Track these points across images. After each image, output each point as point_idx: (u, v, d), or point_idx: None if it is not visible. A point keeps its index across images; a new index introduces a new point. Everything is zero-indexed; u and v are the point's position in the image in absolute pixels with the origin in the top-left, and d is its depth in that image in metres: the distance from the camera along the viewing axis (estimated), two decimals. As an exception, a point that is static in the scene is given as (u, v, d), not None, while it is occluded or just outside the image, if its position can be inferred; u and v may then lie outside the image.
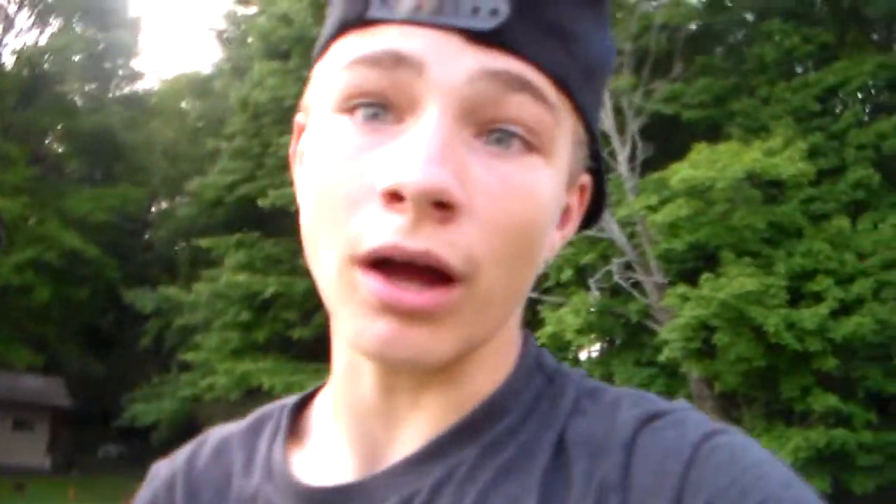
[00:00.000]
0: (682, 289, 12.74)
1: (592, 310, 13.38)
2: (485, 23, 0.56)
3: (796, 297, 13.29)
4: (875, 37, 16.52)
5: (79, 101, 26.94)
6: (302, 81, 13.85)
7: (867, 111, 15.79)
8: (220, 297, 18.07)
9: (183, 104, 29.62)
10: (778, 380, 13.47)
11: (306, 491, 0.67)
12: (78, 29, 26.34)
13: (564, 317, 13.27)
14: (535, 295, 14.10)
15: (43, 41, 25.82)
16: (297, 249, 17.69)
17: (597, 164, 0.68)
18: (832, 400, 12.89)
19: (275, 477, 0.69)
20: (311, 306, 16.98)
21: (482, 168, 0.57)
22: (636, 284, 13.77)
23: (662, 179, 13.51)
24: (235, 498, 0.71)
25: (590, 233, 13.92)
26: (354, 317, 0.59)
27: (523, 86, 0.56)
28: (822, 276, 13.41)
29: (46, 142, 27.04)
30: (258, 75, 18.51)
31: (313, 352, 16.47)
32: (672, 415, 0.63)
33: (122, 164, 26.53)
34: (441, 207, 0.55)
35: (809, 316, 12.70)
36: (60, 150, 27.70)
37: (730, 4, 16.92)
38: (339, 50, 0.60)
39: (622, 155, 14.78)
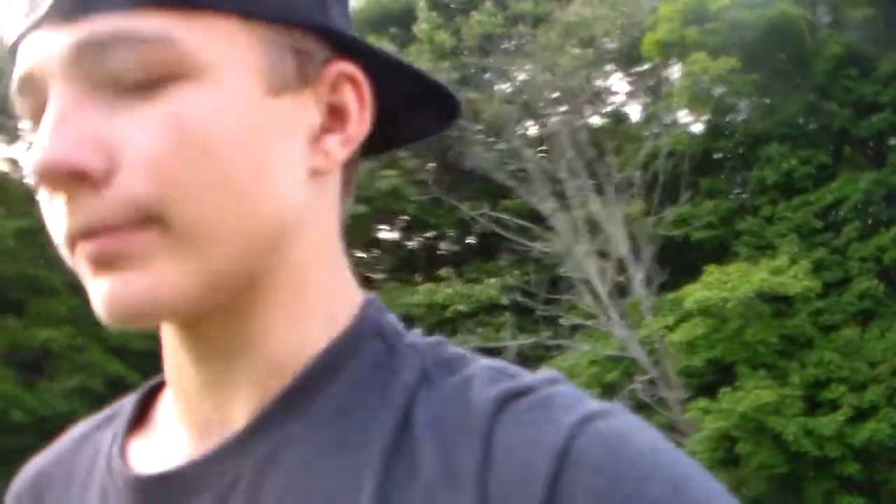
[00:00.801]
0: (702, 403, 13.50)
1: None
2: (47, 1, 0.55)
3: (813, 406, 13.98)
4: (869, 153, 17.55)
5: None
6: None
7: (867, 224, 16.69)
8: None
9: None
10: (803, 485, 14.05)
11: (135, 480, 0.64)
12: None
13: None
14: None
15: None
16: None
17: (370, 52, 0.64)
18: (858, 502, 13.46)
19: (113, 472, 0.67)
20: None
21: (125, 119, 0.55)
22: (659, 400, 14.51)
23: (677, 299, 14.40)
24: (78, 495, 0.69)
25: (614, 353, 14.76)
26: (90, 290, 0.58)
27: (111, 38, 0.55)
28: (836, 384, 14.10)
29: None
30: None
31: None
32: (536, 392, 0.58)
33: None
34: (83, 179, 0.55)
35: (827, 423, 13.37)
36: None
37: (727, 134, 18.06)
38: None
39: (638, 278, 15.68)
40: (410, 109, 0.70)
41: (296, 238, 0.62)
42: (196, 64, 0.56)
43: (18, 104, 0.59)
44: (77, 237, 0.56)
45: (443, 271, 17.69)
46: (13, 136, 24.35)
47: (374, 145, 0.69)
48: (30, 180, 0.57)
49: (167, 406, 0.69)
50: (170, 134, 0.55)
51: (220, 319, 0.61)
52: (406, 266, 19.17)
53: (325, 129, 0.63)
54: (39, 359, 21.03)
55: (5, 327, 21.15)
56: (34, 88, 0.57)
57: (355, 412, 0.60)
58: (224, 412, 0.63)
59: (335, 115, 0.63)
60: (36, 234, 23.64)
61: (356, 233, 19.63)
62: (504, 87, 19.19)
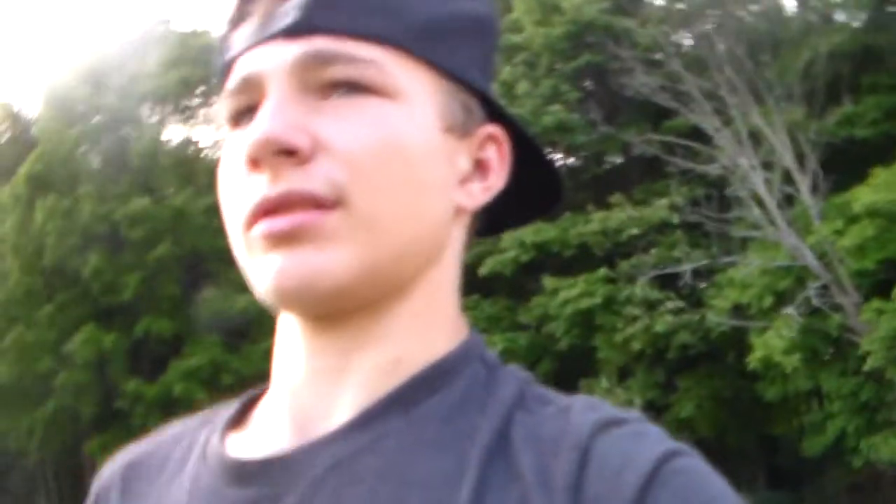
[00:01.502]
0: (876, 304, 13.73)
1: (795, 332, 14.43)
2: (288, 21, 0.66)
3: None
4: None
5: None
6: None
7: None
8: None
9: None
10: None
11: (233, 464, 0.68)
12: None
13: (770, 340, 14.43)
14: (739, 322, 15.32)
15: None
16: (514, 307, 19.52)
17: (515, 127, 0.74)
18: None
19: (208, 458, 0.70)
20: (535, 357, 18.68)
21: (330, 117, 0.65)
22: (833, 305, 14.75)
23: (845, 203, 14.52)
24: (167, 483, 0.72)
25: (785, 262, 15.06)
26: (253, 269, 0.66)
27: (336, 55, 0.65)
28: None
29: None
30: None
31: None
32: (631, 424, 0.64)
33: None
34: (290, 155, 0.64)
35: None
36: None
37: (888, 27, 17.62)
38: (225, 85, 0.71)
39: (804, 186, 15.82)
40: (526, 183, 0.76)
41: (437, 259, 0.70)
42: (394, 88, 0.66)
43: (228, 102, 0.69)
44: (264, 213, 0.63)
45: (613, 198, 18.19)
46: (194, 117, 26.29)
47: (484, 226, 0.77)
48: (240, 156, 0.65)
49: (266, 406, 0.73)
50: (368, 132, 0.64)
51: (357, 314, 0.67)
52: (575, 196, 19.80)
53: (472, 178, 0.72)
54: (241, 324, 22.93)
55: (207, 298, 23.18)
56: (251, 89, 0.67)
57: (457, 418, 0.65)
58: (328, 406, 0.67)
59: (480, 168, 0.72)
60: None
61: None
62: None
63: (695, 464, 0.62)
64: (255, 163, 0.64)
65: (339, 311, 0.66)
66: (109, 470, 0.78)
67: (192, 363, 22.83)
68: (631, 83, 17.63)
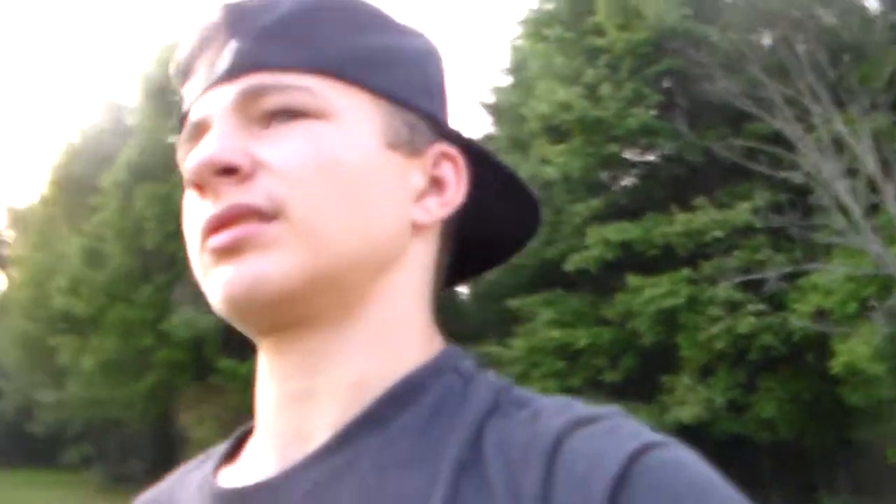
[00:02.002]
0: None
1: (881, 340, 14.77)
2: (226, 65, 0.71)
3: None
4: None
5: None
6: (588, 157, 16.17)
7: None
8: (536, 351, 20.56)
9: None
10: None
11: (221, 494, 0.70)
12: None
13: (855, 347, 14.88)
14: (821, 327, 15.75)
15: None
16: (597, 302, 20.11)
17: (470, 145, 0.77)
18: None
19: (202, 492, 0.73)
20: (618, 351, 19.33)
21: (268, 140, 0.69)
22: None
23: (932, 214, 14.87)
24: None
25: (870, 270, 15.46)
26: (207, 285, 0.69)
27: (270, 87, 0.69)
28: None
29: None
30: (542, 153, 21.03)
31: (622, 393, 18.29)
32: (602, 422, 0.62)
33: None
34: (230, 174, 0.67)
35: None
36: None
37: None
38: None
39: (889, 194, 16.19)
40: (501, 201, 0.80)
41: (392, 275, 0.72)
42: (328, 110, 0.70)
43: (182, 151, 0.74)
44: (210, 231, 0.68)
45: (696, 201, 18.66)
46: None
47: (473, 265, 0.84)
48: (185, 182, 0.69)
49: (256, 438, 0.75)
50: (304, 149, 0.69)
51: (313, 331, 0.69)
52: (657, 195, 20.31)
53: (427, 193, 0.75)
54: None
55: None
56: (201, 133, 0.72)
57: (431, 432, 0.65)
58: (304, 428, 0.69)
59: (437, 185, 0.76)
60: None
61: (615, 170, 20.97)
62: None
63: (672, 455, 0.59)
64: (200, 188, 0.68)
65: (290, 323, 0.68)
66: None
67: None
68: (712, 88, 17.99)
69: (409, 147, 0.74)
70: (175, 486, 0.79)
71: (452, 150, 0.77)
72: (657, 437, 0.62)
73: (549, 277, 21.52)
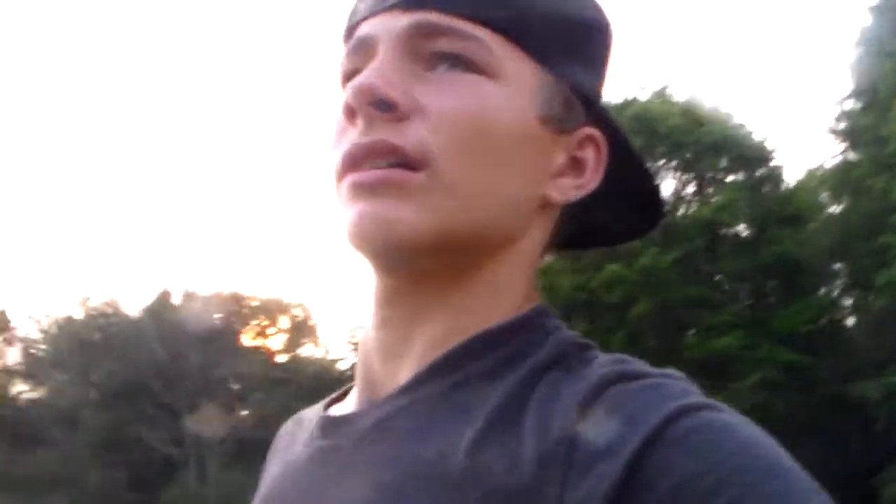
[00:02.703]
0: None
1: None
2: None
3: None
4: None
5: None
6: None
7: None
8: None
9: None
10: None
11: (322, 421, 0.77)
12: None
13: None
14: None
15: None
16: None
17: (616, 132, 0.76)
18: None
19: (316, 417, 0.80)
20: None
21: (431, 84, 0.69)
22: None
23: None
24: (297, 439, 0.81)
25: None
26: (342, 217, 0.69)
27: (445, 29, 0.69)
28: None
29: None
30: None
31: None
32: (648, 378, 0.61)
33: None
34: (387, 109, 0.67)
35: None
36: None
37: None
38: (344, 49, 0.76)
39: None
40: (623, 198, 0.78)
41: (513, 243, 0.72)
42: (496, 68, 0.70)
43: (344, 63, 0.74)
44: (353, 162, 0.68)
45: None
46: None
47: (581, 240, 0.82)
48: (346, 103, 0.69)
49: (356, 380, 0.79)
50: (466, 105, 0.68)
51: (426, 284, 0.71)
52: None
53: (565, 173, 0.74)
54: (722, 363, 24.32)
55: (686, 345, 24.99)
56: (364, 51, 0.72)
57: (486, 383, 0.67)
58: (391, 375, 0.73)
59: (576, 166, 0.75)
60: (687, 261, 27.16)
61: None
62: None
63: (717, 416, 0.57)
64: (351, 113, 0.69)
65: (411, 270, 0.70)
66: (281, 430, 0.89)
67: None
68: None
69: (561, 124, 0.73)
70: (304, 417, 0.86)
71: (598, 135, 0.76)
72: (704, 399, 0.60)
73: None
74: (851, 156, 26.32)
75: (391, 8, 0.72)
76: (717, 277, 27.95)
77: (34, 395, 51.05)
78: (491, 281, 0.73)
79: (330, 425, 0.76)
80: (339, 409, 0.80)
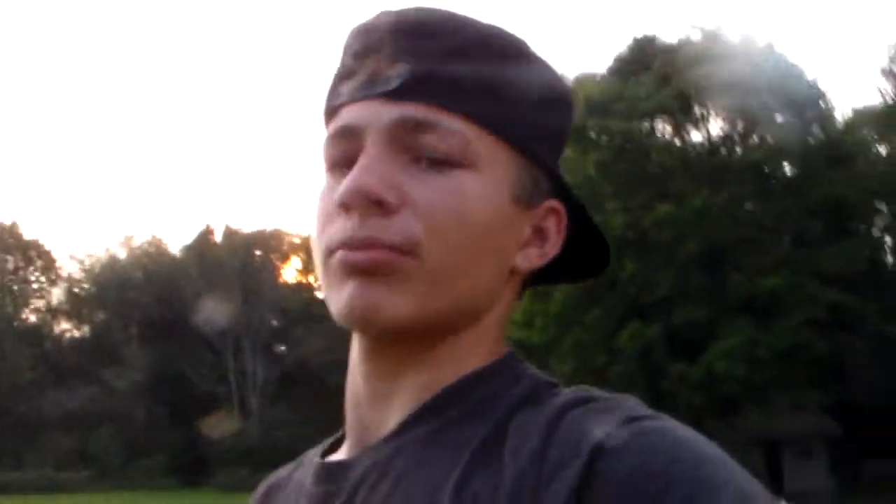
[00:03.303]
0: None
1: None
2: (392, 85, 0.74)
3: None
4: None
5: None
6: None
7: None
8: None
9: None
10: None
11: (317, 468, 0.79)
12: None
13: None
14: None
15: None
16: None
17: (572, 202, 0.80)
18: None
19: (312, 464, 0.82)
20: None
21: (417, 179, 0.72)
22: None
23: None
24: (291, 493, 0.83)
25: None
26: (332, 291, 0.74)
27: (430, 124, 0.72)
28: None
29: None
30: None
31: None
32: (602, 401, 0.68)
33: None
34: (379, 205, 0.71)
35: None
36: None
37: None
38: (327, 131, 0.78)
39: None
40: (576, 252, 0.83)
41: (486, 312, 0.77)
42: (477, 160, 0.73)
43: (328, 146, 0.77)
44: (345, 247, 0.72)
45: None
46: (689, 124, 28.34)
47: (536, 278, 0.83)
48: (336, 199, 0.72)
49: (347, 428, 0.82)
50: (450, 201, 0.72)
51: (410, 344, 0.75)
52: None
53: (531, 243, 0.79)
54: (769, 303, 24.84)
55: (734, 283, 25.48)
56: (350, 138, 0.75)
57: (471, 422, 0.72)
58: (380, 421, 0.77)
59: (539, 235, 0.79)
60: (736, 202, 27.18)
61: None
62: None
63: (657, 423, 0.64)
64: (346, 207, 0.72)
65: (398, 339, 0.75)
66: (259, 491, 0.91)
67: (729, 343, 25.24)
68: None
69: (528, 202, 0.78)
70: (295, 469, 0.88)
71: (559, 206, 0.80)
72: (647, 412, 0.66)
73: None
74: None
75: (377, 96, 0.75)
76: (764, 219, 28.12)
77: (77, 333, 52.29)
78: (465, 342, 0.77)
79: (324, 473, 0.79)
80: (332, 457, 0.83)
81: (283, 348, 47.65)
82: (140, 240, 53.72)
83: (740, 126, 29.50)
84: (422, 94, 0.74)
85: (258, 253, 50.84)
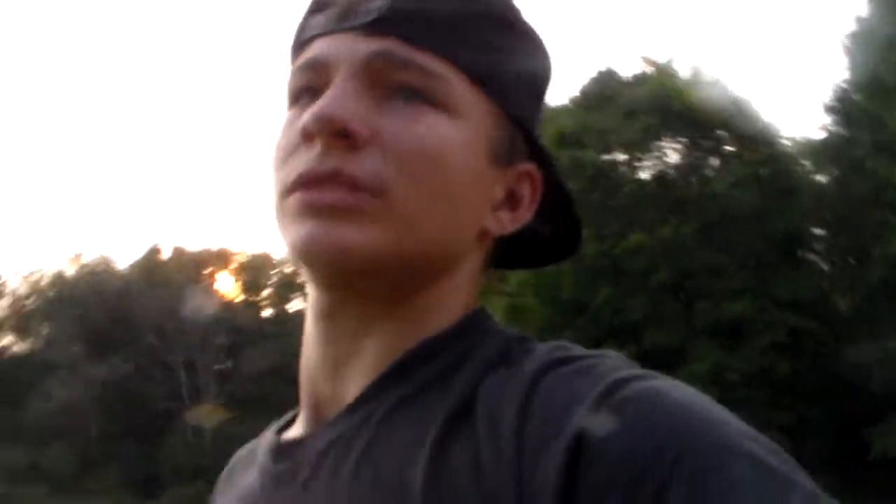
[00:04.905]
0: None
1: None
2: (369, 18, 0.70)
3: None
4: None
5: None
6: None
7: None
8: None
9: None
10: None
11: (275, 445, 0.76)
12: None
13: None
14: None
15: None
16: None
17: (549, 170, 0.77)
18: None
19: (269, 442, 0.78)
20: None
21: (388, 114, 0.69)
22: None
23: None
24: (250, 469, 0.79)
25: None
26: (288, 230, 0.69)
27: (409, 62, 0.69)
28: None
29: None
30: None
31: None
32: (581, 361, 0.63)
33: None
34: (344, 137, 0.67)
35: None
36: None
37: None
38: (293, 64, 0.75)
39: None
40: (548, 225, 0.80)
41: (452, 270, 0.74)
42: (457, 108, 0.71)
43: (293, 78, 0.74)
44: (303, 184, 0.68)
45: None
46: (660, 156, 29.82)
47: (508, 261, 0.82)
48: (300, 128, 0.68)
49: (302, 402, 0.79)
50: (424, 140, 0.69)
51: (365, 302, 0.71)
52: None
53: (502, 207, 0.76)
54: (735, 327, 26.54)
55: (701, 309, 26.96)
56: (318, 71, 0.71)
57: (440, 387, 0.68)
58: (339, 394, 0.73)
59: (511, 200, 0.77)
60: (703, 232, 28.61)
61: None
62: None
63: (650, 383, 0.58)
64: (309, 137, 0.68)
65: (356, 288, 0.71)
66: (225, 470, 0.87)
67: (696, 367, 26.56)
68: None
69: (503, 161, 0.75)
70: (255, 445, 0.84)
71: (534, 171, 0.77)
72: (636, 371, 0.61)
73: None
74: (843, 132, 27.94)
75: (351, 29, 0.72)
76: (728, 247, 29.56)
77: (22, 348, 51.27)
78: (433, 300, 0.74)
79: (282, 450, 0.76)
80: (290, 433, 0.80)
81: (232, 365, 47.82)
82: (89, 257, 53.10)
83: (694, 158, 30.90)
84: (401, 30, 0.71)
85: (206, 271, 50.89)
